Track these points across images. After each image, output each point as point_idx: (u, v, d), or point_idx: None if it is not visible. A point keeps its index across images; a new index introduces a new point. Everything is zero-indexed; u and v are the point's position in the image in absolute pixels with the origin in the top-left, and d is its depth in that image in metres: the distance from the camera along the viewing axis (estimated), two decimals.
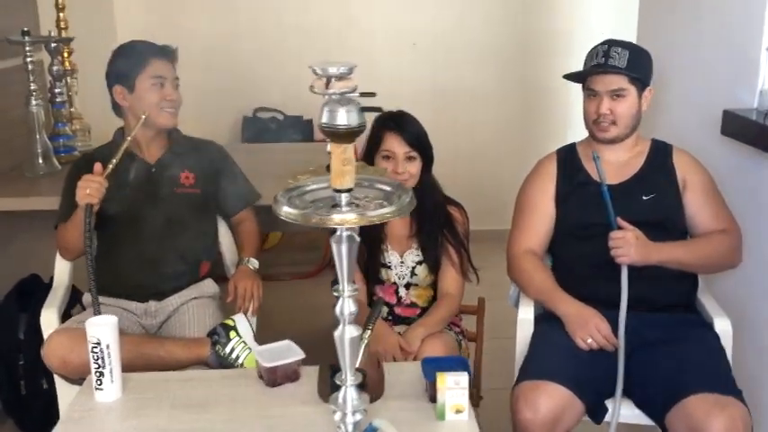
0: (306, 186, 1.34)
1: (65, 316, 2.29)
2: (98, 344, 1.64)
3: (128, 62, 2.23)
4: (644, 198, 2.12)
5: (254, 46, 4.42)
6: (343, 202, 1.30)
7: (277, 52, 4.40)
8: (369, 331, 1.74)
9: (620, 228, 2.02)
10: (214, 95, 4.44)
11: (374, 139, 2.25)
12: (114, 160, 2.07)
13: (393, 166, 2.21)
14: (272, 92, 4.43)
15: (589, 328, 1.98)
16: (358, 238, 1.33)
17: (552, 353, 1.99)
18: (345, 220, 1.23)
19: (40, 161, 2.84)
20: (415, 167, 2.24)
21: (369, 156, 2.26)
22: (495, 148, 4.67)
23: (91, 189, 2.02)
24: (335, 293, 1.36)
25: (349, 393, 1.41)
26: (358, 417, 1.42)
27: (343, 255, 1.32)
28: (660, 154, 2.19)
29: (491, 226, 4.67)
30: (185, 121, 4.32)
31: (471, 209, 4.44)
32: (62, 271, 2.37)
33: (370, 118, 2.17)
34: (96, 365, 1.65)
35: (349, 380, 1.41)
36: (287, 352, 1.78)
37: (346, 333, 1.38)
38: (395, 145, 2.21)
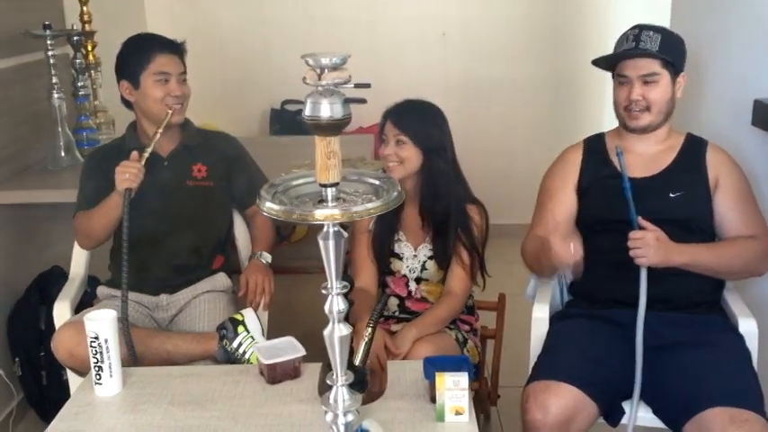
0: (292, 181, 1.31)
1: (84, 306, 2.29)
2: (96, 338, 1.63)
3: (132, 58, 2.23)
4: (671, 195, 2.02)
5: (282, 37, 4.39)
6: (329, 197, 1.26)
7: (304, 43, 4.36)
8: (370, 329, 1.71)
9: (641, 227, 1.93)
10: (242, 87, 4.44)
11: (380, 128, 2.22)
12: (149, 149, 2.12)
13: (386, 150, 2.18)
14: (300, 83, 4.39)
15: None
16: (345, 234, 1.29)
17: (566, 353, 1.92)
18: (328, 215, 1.19)
19: (63, 154, 2.87)
20: (405, 152, 2.16)
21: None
22: (527, 140, 4.57)
23: (130, 174, 2.06)
24: (324, 291, 1.33)
25: (340, 393, 1.37)
26: (350, 417, 1.38)
27: (330, 251, 1.28)
28: (693, 150, 2.09)
29: (522, 220, 4.57)
30: (212, 113, 4.38)
31: (502, 202, 4.38)
32: (78, 263, 2.39)
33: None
34: (95, 360, 1.65)
35: (340, 379, 1.37)
36: (288, 349, 1.75)
37: (336, 331, 1.34)
38: (389, 128, 2.18)
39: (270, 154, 2.50)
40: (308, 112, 1.21)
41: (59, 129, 2.85)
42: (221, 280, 2.34)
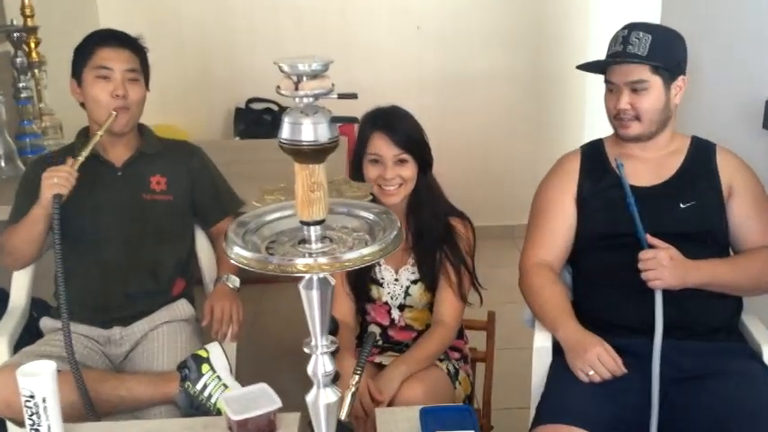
0: (265, 216, 1.06)
1: (30, 336, 2.03)
2: (32, 397, 1.37)
3: (77, 52, 1.98)
4: (682, 206, 1.83)
5: (246, 29, 4.14)
6: (313, 238, 1.02)
7: (271, 36, 4.11)
8: (357, 377, 1.47)
9: (650, 246, 1.73)
10: (203, 85, 4.19)
11: (361, 140, 1.96)
12: (84, 153, 1.85)
13: (381, 171, 1.93)
14: (266, 81, 4.13)
15: (589, 358, 1.69)
16: (333, 282, 1.05)
17: (573, 390, 1.71)
18: (313, 266, 0.95)
19: (2, 163, 2.59)
20: (407, 172, 1.94)
21: (357, 161, 1.98)
22: (507, 137, 4.41)
23: (59, 178, 1.79)
24: (306, 349, 1.09)
25: None
26: None
27: (314, 302, 1.04)
28: (701, 154, 1.90)
29: (503, 221, 4.42)
30: (172, 113, 4.10)
31: (482, 202, 4.18)
32: (19, 291, 2.10)
33: None
34: (31, 422, 1.38)
35: None
36: (260, 399, 1.50)
37: (321, 398, 1.11)
38: (383, 147, 1.92)
39: (231, 160, 2.23)
40: (285, 134, 0.97)
41: None
42: (182, 308, 2.09)
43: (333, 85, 1.19)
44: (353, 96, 1.22)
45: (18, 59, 2.72)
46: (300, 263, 0.94)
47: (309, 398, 1.11)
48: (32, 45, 2.77)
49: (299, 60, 1.14)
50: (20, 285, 2.11)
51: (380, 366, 1.94)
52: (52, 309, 2.08)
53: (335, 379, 1.13)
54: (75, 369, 1.69)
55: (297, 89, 1.13)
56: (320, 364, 1.09)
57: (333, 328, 1.36)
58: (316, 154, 0.97)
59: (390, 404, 1.81)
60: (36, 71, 2.80)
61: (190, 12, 4.12)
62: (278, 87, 1.19)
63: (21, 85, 2.72)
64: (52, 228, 1.80)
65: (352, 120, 1.04)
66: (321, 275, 1.02)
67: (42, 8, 2.88)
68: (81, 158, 1.84)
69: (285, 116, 0.98)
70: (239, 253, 0.96)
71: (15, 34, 2.70)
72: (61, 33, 2.88)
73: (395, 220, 1.03)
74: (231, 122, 4.20)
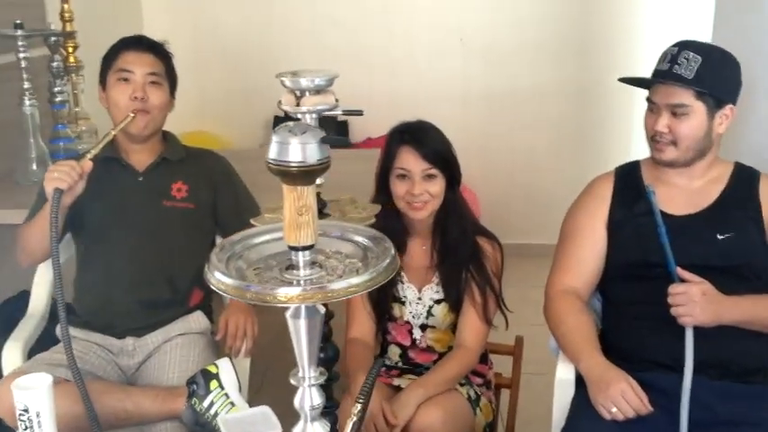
0: (252, 238, 1.00)
1: (48, 341, 2.00)
2: (26, 411, 1.34)
3: (104, 58, 2.00)
4: (719, 237, 1.72)
5: (287, 40, 4.13)
6: (301, 263, 0.96)
7: (311, 46, 4.10)
8: (360, 405, 1.40)
9: (682, 280, 1.62)
10: (243, 94, 4.19)
11: (388, 155, 1.91)
12: (93, 150, 1.81)
13: (409, 187, 1.87)
14: None
15: (612, 394, 1.59)
16: (322, 310, 0.99)
17: (593, 427, 1.61)
18: (293, 297, 0.88)
19: (34, 167, 2.60)
20: (435, 187, 1.88)
21: (383, 176, 1.92)
22: (551, 154, 4.29)
23: (59, 173, 1.73)
24: (293, 381, 1.03)
25: None
26: None
27: (301, 332, 0.98)
28: (744, 182, 1.79)
29: (545, 240, 4.28)
30: (211, 121, 4.11)
31: (524, 219, 4.07)
32: (39, 294, 2.10)
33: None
34: None
35: None
36: (260, 423, 1.44)
37: None
38: (410, 161, 1.86)
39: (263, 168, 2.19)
40: (272, 154, 0.91)
41: (31, 139, 2.58)
42: (197, 320, 2.05)
43: (337, 100, 1.13)
44: (359, 113, 1.16)
45: (54, 64, 2.73)
46: (282, 293, 0.88)
47: (296, 431, 1.05)
48: (70, 50, 2.79)
49: (303, 74, 1.09)
50: (40, 290, 2.11)
51: (398, 389, 1.88)
52: (71, 315, 2.07)
53: (326, 411, 1.07)
54: (77, 377, 1.64)
55: (298, 104, 1.08)
56: (307, 397, 1.02)
57: (333, 356, 1.30)
58: (304, 176, 0.91)
59: (405, 429, 1.75)
60: (73, 75, 2.82)
61: (231, 22, 4.15)
62: (279, 102, 1.14)
63: (56, 89, 2.73)
64: (63, 228, 1.77)
65: (343, 142, 0.98)
66: (308, 304, 0.96)
67: (88, 15, 2.91)
68: (90, 155, 1.80)
69: (274, 134, 0.92)
70: (219, 279, 0.91)
71: (52, 38, 2.71)
72: (105, 40, 2.89)
73: (389, 248, 0.97)
74: (269, 130, 4.19)
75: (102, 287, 1.98)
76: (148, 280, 2.00)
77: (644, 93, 1.84)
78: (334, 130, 4.06)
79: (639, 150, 2.15)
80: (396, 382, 1.94)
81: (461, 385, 1.92)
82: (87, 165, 1.78)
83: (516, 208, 4.19)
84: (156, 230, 2.01)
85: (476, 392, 1.95)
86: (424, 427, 1.74)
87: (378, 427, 1.71)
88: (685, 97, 1.70)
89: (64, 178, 1.73)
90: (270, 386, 1.96)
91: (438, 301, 1.96)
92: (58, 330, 2.01)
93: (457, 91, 4.18)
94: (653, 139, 1.77)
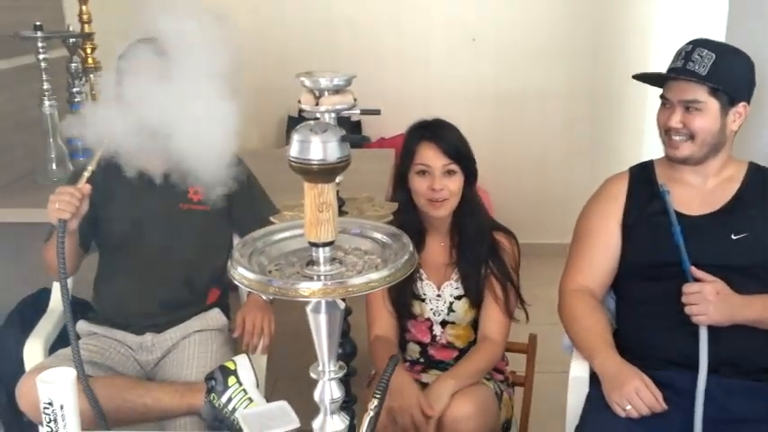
0: (273, 235, 1.03)
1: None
2: (50, 404, 1.37)
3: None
4: (733, 237, 1.72)
5: (301, 41, 4.14)
6: (322, 260, 0.98)
7: (326, 47, 4.12)
8: (377, 400, 1.43)
9: (696, 279, 1.63)
10: (256, 93, 4.19)
11: (407, 152, 1.93)
12: (90, 167, 1.77)
13: (429, 183, 1.89)
14: None
15: (626, 392, 1.60)
16: (342, 305, 1.01)
17: (607, 425, 1.62)
18: (315, 291, 0.90)
19: (54, 167, 2.63)
20: (455, 183, 1.90)
21: (403, 173, 1.95)
22: (563, 153, 4.30)
23: (61, 203, 1.71)
24: (313, 375, 1.05)
25: None
26: None
27: (321, 327, 1.00)
28: (758, 182, 1.79)
29: (556, 239, 4.30)
30: None
31: (535, 219, 4.07)
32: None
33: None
34: (49, 429, 1.38)
35: None
36: (279, 418, 1.46)
37: (328, 425, 1.06)
38: (431, 157, 1.89)
39: (288, 169, 2.20)
40: (294, 152, 0.93)
41: (50, 139, 2.61)
42: (215, 317, 2.08)
43: (355, 100, 1.15)
44: (377, 112, 1.18)
45: (73, 65, 2.77)
46: (304, 287, 0.90)
47: (316, 424, 1.07)
48: (88, 51, 2.82)
49: (321, 74, 1.11)
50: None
51: (424, 385, 1.90)
52: (90, 312, 2.10)
53: (344, 405, 1.09)
54: (82, 376, 1.65)
55: (317, 104, 1.10)
56: (327, 390, 1.04)
57: (351, 351, 1.32)
58: (324, 173, 0.93)
59: (440, 420, 1.77)
60: (91, 76, 2.85)
61: (246, 23, 4.16)
62: (299, 102, 1.16)
63: (74, 89, 2.76)
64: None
65: (363, 139, 1.00)
66: (328, 299, 0.98)
67: (106, 17, 2.93)
68: (87, 173, 1.76)
69: (294, 133, 0.94)
70: (242, 273, 0.93)
71: (71, 40, 2.75)
72: (122, 41, 2.92)
73: (407, 244, 0.99)
74: (284, 131, 4.22)
75: (122, 289, 2.01)
76: (167, 282, 2.03)
77: (656, 93, 1.86)
78: (348, 130, 4.06)
79: (652, 152, 2.16)
80: (425, 379, 1.97)
81: (487, 380, 1.95)
82: (86, 188, 1.75)
83: (528, 208, 4.20)
84: (173, 234, 2.03)
85: (499, 387, 1.98)
86: (458, 417, 1.76)
87: (415, 418, 1.73)
88: (699, 93, 1.71)
89: (65, 208, 1.71)
90: (283, 383, 1.98)
91: (459, 297, 1.98)
92: (78, 326, 2.06)
93: (469, 91, 4.18)
94: (666, 133, 1.78)
